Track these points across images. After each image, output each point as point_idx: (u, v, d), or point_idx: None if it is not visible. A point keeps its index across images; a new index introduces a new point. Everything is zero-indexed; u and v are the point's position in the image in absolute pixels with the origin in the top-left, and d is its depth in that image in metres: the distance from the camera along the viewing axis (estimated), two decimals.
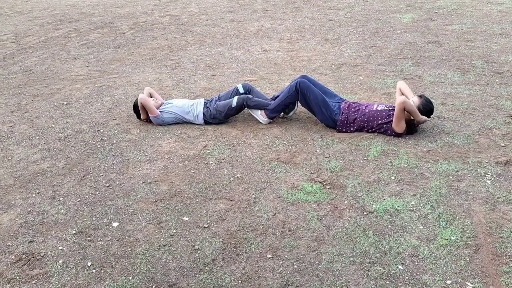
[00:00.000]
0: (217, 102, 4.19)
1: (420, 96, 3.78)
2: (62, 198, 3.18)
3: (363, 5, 9.04)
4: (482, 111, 4.12)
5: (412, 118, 3.72)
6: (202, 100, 4.26)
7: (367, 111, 3.84)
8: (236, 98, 4.12)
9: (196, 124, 4.20)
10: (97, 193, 3.22)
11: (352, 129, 3.87)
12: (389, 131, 3.76)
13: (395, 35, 6.79)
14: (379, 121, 3.78)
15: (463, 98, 4.43)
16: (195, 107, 4.19)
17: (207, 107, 4.18)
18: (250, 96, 4.15)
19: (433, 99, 4.41)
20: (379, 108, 3.85)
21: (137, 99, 4.23)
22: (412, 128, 3.78)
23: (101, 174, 3.46)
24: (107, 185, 3.31)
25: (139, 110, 4.23)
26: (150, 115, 4.19)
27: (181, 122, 4.23)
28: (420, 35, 6.69)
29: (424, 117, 3.69)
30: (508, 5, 8.18)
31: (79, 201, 3.13)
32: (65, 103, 4.90)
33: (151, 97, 4.33)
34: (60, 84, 5.51)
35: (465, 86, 4.73)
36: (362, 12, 8.44)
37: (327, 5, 9.29)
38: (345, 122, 3.86)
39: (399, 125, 3.70)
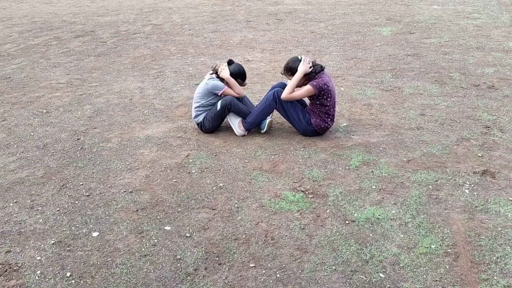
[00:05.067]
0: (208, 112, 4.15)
1: (282, 73, 4.01)
2: (40, 208, 3.11)
3: (344, 18, 9.20)
4: (460, 122, 4.22)
5: (302, 80, 3.87)
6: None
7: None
8: (220, 101, 4.08)
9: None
10: (76, 202, 3.17)
11: (328, 120, 3.95)
12: (317, 99, 3.89)
13: (375, 47, 6.93)
14: (313, 106, 3.95)
15: (441, 110, 4.53)
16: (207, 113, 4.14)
17: (205, 117, 4.13)
18: (234, 99, 4.09)
19: (412, 110, 4.51)
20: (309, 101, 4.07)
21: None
22: (314, 74, 3.87)
23: (81, 183, 3.40)
24: (87, 194, 3.26)
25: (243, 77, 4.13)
26: (232, 92, 4.05)
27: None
28: (400, 47, 6.84)
29: (300, 67, 3.81)
30: (483, 20, 8.45)
31: (58, 210, 3.07)
32: (44, 111, 4.82)
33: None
34: (40, 92, 5.42)
35: (443, 97, 4.84)
36: (343, 25, 8.59)
37: (308, 17, 9.42)
38: (319, 120, 3.93)
39: (307, 93, 3.85)
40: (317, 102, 3.89)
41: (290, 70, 3.89)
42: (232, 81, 4.05)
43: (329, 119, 3.93)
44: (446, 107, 4.59)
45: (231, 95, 4.07)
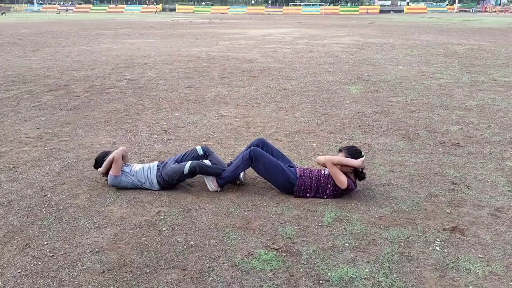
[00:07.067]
0: (170, 165, 4.13)
1: (340, 150, 3.98)
2: (0, 270, 2.94)
3: (315, 76, 9.56)
4: (428, 179, 4.33)
5: (351, 167, 3.86)
6: (155, 164, 4.20)
7: (319, 176, 3.95)
8: (189, 164, 4.06)
9: (152, 189, 4.11)
10: (39, 263, 3.01)
11: (308, 194, 3.93)
12: (339, 191, 3.88)
13: (345, 104, 7.17)
14: (330, 185, 3.89)
15: (409, 166, 4.65)
16: (149, 173, 4.12)
17: (160, 173, 4.12)
18: (203, 163, 4.11)
19: (381, 167, 4.61)
20: (326, 173, 3.98)
21: (107, 151, 4.26)
22: (360, 175, 3.92)
23: (45, 243, 3.25)
24: (51, 254, 3.11)
25: (103, 160, 4.15)
26: (110, 173, 4.09)
27: (138, 188, 4.12)
28: (368, 105, 7.10)
29: (359, 160, 3.84)
30: (446, 80, 8.92)
31: (19, 272, 2.91)
32: (11, 166, 4.69)
33: (122, 158, 4.24)
34: (7, 147, 5.29)
35: (411, 154, 4.99)
36: (314, 82, 8.90)
37: (281, 75, 9.74)
38: (302, 187, 3.92)
39: (340, 181, 3.82)
40: (334, 187, 3.89)
41: (350, 153, 3.89)
42: (106, 168, 4.14)
43: (313, 193, 3.93)
44: (414, 163, 4.72)
45: (115, 170, 4.10)
